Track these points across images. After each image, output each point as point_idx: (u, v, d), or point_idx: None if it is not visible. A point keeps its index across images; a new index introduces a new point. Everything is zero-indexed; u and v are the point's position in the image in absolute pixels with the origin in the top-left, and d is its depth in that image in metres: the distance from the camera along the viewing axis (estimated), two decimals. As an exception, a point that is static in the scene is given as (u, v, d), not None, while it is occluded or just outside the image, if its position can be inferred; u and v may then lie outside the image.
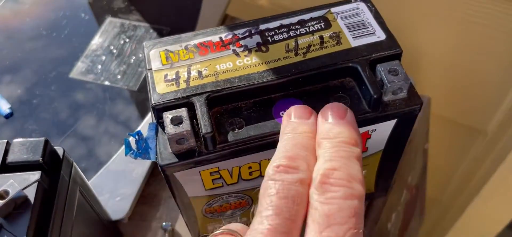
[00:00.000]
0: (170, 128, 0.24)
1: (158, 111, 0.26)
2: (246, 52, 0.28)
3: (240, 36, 0.29)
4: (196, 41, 0.29)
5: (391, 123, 0.27)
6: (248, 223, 0.34)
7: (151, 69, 0.27)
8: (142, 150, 0.26)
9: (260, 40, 0.28)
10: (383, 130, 0.28)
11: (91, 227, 0.29)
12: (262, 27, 0.29)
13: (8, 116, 0.40)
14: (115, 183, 0.36)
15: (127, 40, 0.45)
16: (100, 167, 0.37)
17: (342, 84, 0.27)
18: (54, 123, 0.40)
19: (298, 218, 0.19)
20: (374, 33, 0.28)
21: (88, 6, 0.49)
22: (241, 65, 0.27)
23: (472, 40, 0.53)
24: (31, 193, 0.22)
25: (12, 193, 0.22)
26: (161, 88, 0.26)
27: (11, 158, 0.24)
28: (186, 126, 0.24)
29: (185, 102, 0.26)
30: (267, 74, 0.27)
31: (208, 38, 0.29)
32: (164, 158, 0.25)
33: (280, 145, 0.22)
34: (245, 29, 0.29)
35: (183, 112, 0.25)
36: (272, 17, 0.30)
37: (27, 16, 0.49)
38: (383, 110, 0.26)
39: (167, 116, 0.25)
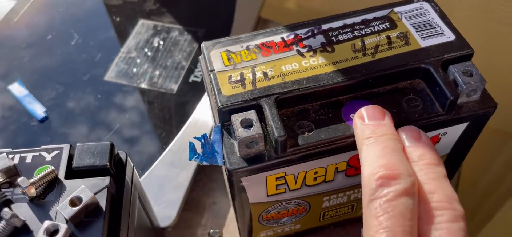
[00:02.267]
0: (241, 131, 0.23)
1: (225, 113, 0.25)
2: (311, 52, 0.27)
3: (303, 36, 0.28)
4: (258, 42, 0.28)
5: (462, 126, 0.26)
6: (301, 230, 0.33)
7: (213, 70, 0.26)
8: (208, 154, 0.25)
9: (324, 40, 0.27)
10: (452, 134, 0.27)
11: (145, 235, 0.28)
12: (325, 27, 0.28)
13: (43, 120, 0.39)
14: (159, 189, 0.35)
15: (162, 42, 0.44)
16: (142, 173, 0.36)
17: (412, 85, 0.26)
18: (91, 127, 0.39)
19: (414, 233, 0.18)
20: (442, 33, 0.27)
21: (119, 8, 0.48)
22: (308, 65, 0.26)
23: (502, 42, 0.52)
24: (101, 200, 0.21)
25: (85, 199, 0.20)
26: (227, 90, 0.25)
27: (77, 162, 0.23)
28: (257, 129, 0.23)
29: (253, 104, 0.25)
30: (335, 75, 0.26)
31: (270, 38, 0.28)
32: (232, 162, 0.24)
33: (367, 153, 0.21)
34: (307, 29, 0.28)
35: (252, 114, 0.24)
36: (333, 17, 0.29)
37: (57, 18, 0.48)
38: (456, 113, 0.25)
39: (237, 118, 0.24)
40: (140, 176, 0.35)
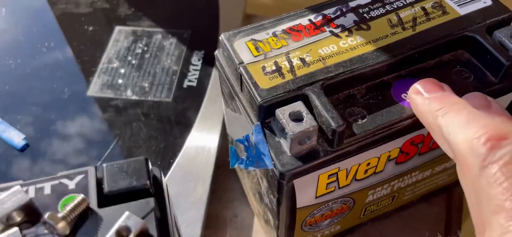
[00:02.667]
0: (293, 126, 0.20)
1: (267, 109, 0.22)
2: (346, 32, 0.24)
3: (332, 16, 0.25)
4: (284, 26, 0.25)
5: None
6: (340, 232, 0.30)
7: (242, 63, 0.23)
8: (253, 158, 0.22)
9: (356, 18, 0.25)
10: (503, 102, 0.25)
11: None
12: (352, 4, 0.26)
13: (23, 149, 0.34)
14: (176, 207, 0.31)
15: (145, 48, 0.40)
16: (150, 192, 0.31)
17: (455, 57, 0.25)
18: (83, 148, 0.34)
19: None
20: (478, -2, 0.26)
21: (90, 16, 0.43)
22: (347, 46, 0.24)
23: None
24: (150, 226, 0.18)
25: (134, 228, 0.17)
26: (264, 83, 0.22)
27: (110, 186, 0.19)
28: (310, 121, 0.20)
29: (298, 94, 0.22)
30: (380, 53, 0.23)
31: (296, 22, 0.25)
32: (285, 163, 0.21)
33: (451, 122, 0.19)
34: (334, 9, 0.26)
35: (300, 106, 0.21)
36: (359, -8, 0.27)
37: (21, 34, 0.42)
38: (511, 79, 0.23)
39: (284, 112, 0.21)
40: (149, 197, 0.31)
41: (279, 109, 0.21)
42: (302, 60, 0.23)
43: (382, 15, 0.25)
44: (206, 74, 0.38)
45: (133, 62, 0.39)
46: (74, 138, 0.34)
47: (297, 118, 0.21)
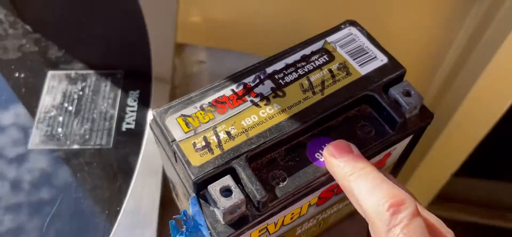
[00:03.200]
0: (223, 201, 0.24)
1: (200, 184, 0.25)
2: (265, 100, 0.28)
3: (252, 85, 0.28)
4: (210, 99, 0.28)
5: (408, 138, 0.29)
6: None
7: (175, 140, 0.26)
8: (192, 229, 0.25)
9: (273, 85, 0.28)
10: (400, 146, 0.30)
11: None
12: (269, 70, 0.29)
13: (-32, 214, 0.35)
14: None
15: (81, 92, 0.41)
16: (100, 244, 0.34)
17: (360, 112, 0.29)
18: (31, 211, 0.35)
19: None
20: (375, 57, 0.30)
21: (19, 62, 0.43)
22: (266, 115, 0.27)
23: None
24: None
25: None
26: (195, 160, 0.25)
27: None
28: (238, 194, 0.24)
29: (226, 168, 0.25)
30: (294, 120, 0.27)
31: (221, 93, 0.28)
32: (220, 232, 0.24)
33: (359, 188, 0.23)
34: (253, 76, 0.29)
35: (229, 180, 0.25)
36: (274, 57, 0.30)
37: None
38: (404, 130, 0.28)
39: (215, 188, 0.24)
40: (100, 249, 0.34)
41: (211, 185, 0.24)
42: (228, 133, 0.26)
43: (295, 79, 0.29)
44: (143, 115, 0.40)
45: (70, 108, 0.40)
46: (20, 197, 0.36)
47: (226, 191, 0.24)
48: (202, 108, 0.27)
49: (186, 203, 0.30)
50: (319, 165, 0.26)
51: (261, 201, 0.24)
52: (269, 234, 0.28)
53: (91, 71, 0.43)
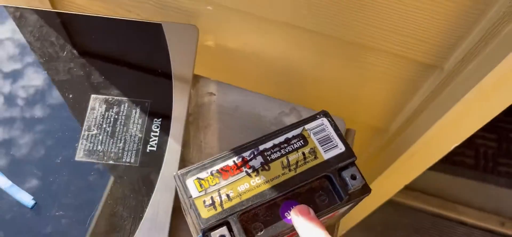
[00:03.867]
0: (220, 246, 0.37)
1: (206, 231, 0.38)
2: (255, 172, 0.40)
3: (248, 159, 0.40)
4: (218, 167, 0.40)
5: (350, 204, 0.42)
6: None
7: (191, 196, 0.38)
8: (197, 258, 0.38)
9: (262, 160, 0.40)
10: (346, 208, 0.42)
11: None
12: (261, 148, 0.41)
13: (33, 207, 0.47)
14: (145, 252, 0.47)
15: (116, 116, 0.53)
16: (128, 241, 0.47)
17: (320, 184, 0.41)
18: (77, 207, 0.48)
19: None
20: (337, 145, 0.42)
21: (69, 84, 0.55)
22: (255, 184, 0.39)
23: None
24: None
25: None
26: (204, 213, 0.38)
27: None
28: (230, 241, 0.37)
29: (223, 221, 0.38)
30: (273, 190, 0.39)
31: (225, 163, 0.40)
32: (215, 262, 0.37)
33: None
34: (249, 152, 0.41)
35: (225, 230, 0.37)
36: (265, 137, 0.41)
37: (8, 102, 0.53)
38: (349, 200, 0.40)
39: (216, 234, 0.37)
40: (128, 244, 0.47)
41: (213, 232, 0.37)
42: (227, 195, 0.39)
43: (278, 157, 0.41)
44: (163, 141, 0.52)
45: (108, 129, 0.52)
46: (70, 198, 0.48)
47: (222, 237, 0.37)
48: (212, 173, 0.39)
49: (192, 227, 0.43)
50: (287, 221, 0.39)
51: (244, 248, 0.37)
52: (249, 260, 0.41)
53: (125, 98, 0.54)
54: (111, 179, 0.50)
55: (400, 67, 0.58)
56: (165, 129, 0.53)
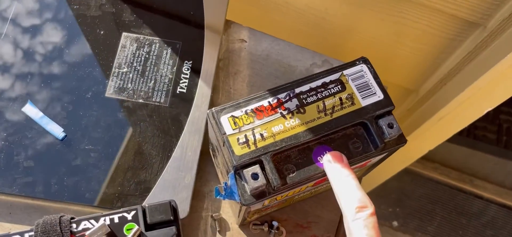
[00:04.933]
0: (252, 183, 0.36)
1: (238, 168, 0.37)
2: (290, 114, 0.39)
3: (283, 100, 0.40)
4: (252, 106, 0.39)
5: (384, 154, 0.41)
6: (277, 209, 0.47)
7: (225, 133, 0.38)
8: (227, 194, 0.38)
9: (298, 103, 0.40)
10: (379, 157, 0.42)
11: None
12: (297, 90, 0.40)
13: (63, 139, 0.48)
14: (173, 190, 0.47)
15: (147, 55, 0.53)
16: (157, 177, 0.47)
17: (355, 131, 0.40)
18: (106, 142, 0.48)
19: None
20: (375, 93, 0.40)
21: (100, 20, 0.54)
22: (289, 126, 0.39)
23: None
24: (174, 243, 0.34)
25: (167, 249, 0.33)
26: (237, 150, 0.37)
27: (151, 219, 0.34)
28: (262, 180, 0.36)
29: (256, 160, 0.37)
30: (308, 132, 0.38)
31: (260, 103, 0.39)
32: (246, 199, 0.37)
33: (340, 189, 0.35)
34: (285, 93, 0.40)
35: (257, 168, 0.37)
36: (301, 80, 0.40)
37: (40, 35, 0.53)
38: (383, 149, 0.40)
39: (248, 172, 0.37)
40: (156, 180, 0.47)
41: (245, 170, 0.37)
42: (261, 135, 0.38)
43: (314, 101, 0.40)
44: (193, 84, 0.52)
45: (138, 68, 0.52)
46: (98, 133, 0.48)
47: (255, 176, 0.37)
48: (246, 113, 0.39)
49: (222, 166, 0.42)
50: (319, 166, 0.39)
51: (276, 186, 0.37)
52: (276, 200, 0.41)
53: (156, 38, 0.54)
54: (141, 117, 0.50)
55: (440, 24, 0.56)
56: (195, 72, 0.53)
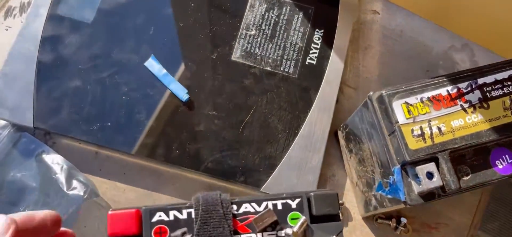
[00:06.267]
0: (427, 182, 0.32)
1: (410, 164, 0.32)
2: (472, 108, 0.34)
3: (464, 91, 0.34)
4: (429, 94, 0.34)
5: None
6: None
7: (398, 122, 0.33)
8: (392, 191, 0.33)
9: (480, 96, 0.34)
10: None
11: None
12: (480, 81, 0.35)
13: (186, 101, 0.44)
14: (299, 170, 0.42)
15: (277, 19, 0.48)
16: (283, 154, 0.43)
17: (541, 136, 0.35)
18: (231, 110, 0.44)
19: None
20: None
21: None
22: (470, 122, 0.33)
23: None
24: (341, 242, 0.30)
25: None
26: (412, 144, 0.32)
27: (317, 211, 0.30)
28: (438, 181, 0.32)
29: (432, 157, 0.32)
30: (491, 132, 0.33)
31: (437, 91, 0.34)
32: (412, 199, 0.33)
33: None
34: (466, 83, 0.34)
35: (433, 167, 0.32)
36: (485, 69, 0.35)
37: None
38: None
39: (423, 170, 0.32)
40: (282, 157, 0.43)
41: (419, 167, 0.32)
42: (439, 129, 0.33)
43: (499, 96, 0.34)
44: (324, 55, 0.47)
45: (267, 32, 0.47)
46: (222, 99, 0.44)
47: (430, 175, 0.32)
48: (421, 100, 0.34)
49: (366, 156, 0.38)
50: (497, 171, 0.33)
51: (453, 190, 0.32)
52: (437, 204, 0.36)
53: (287, 0, 0.48)
54: (268, 86, 0.45)
55: None
56: (327, 42, 0.47)
